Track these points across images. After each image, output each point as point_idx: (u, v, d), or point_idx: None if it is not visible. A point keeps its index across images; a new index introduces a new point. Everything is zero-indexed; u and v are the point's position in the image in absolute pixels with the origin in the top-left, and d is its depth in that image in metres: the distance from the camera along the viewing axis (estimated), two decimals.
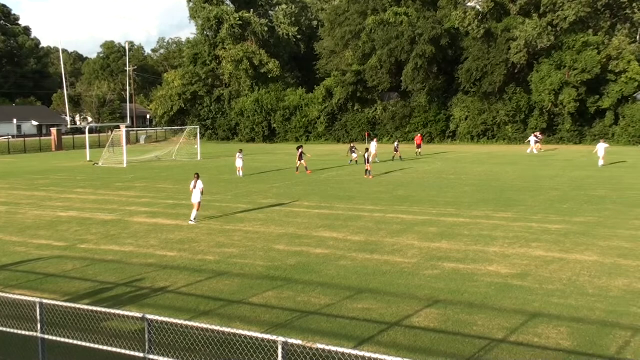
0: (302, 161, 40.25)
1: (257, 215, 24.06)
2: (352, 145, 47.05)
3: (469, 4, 70.73)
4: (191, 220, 22.44)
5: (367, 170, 36.49)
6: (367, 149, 38.59)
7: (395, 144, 50.00)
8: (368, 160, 36.91)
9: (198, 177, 22.63)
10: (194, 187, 22.33)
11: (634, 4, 70.37)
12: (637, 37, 74.85)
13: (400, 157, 47.66)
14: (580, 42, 62.13)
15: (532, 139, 55.79)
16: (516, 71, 67.77)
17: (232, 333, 7.64)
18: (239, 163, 38.60)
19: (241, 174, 38.25)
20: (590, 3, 63.36)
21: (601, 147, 40.49)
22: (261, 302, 13.20)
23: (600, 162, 39.79)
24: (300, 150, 40.86)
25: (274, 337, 7.13)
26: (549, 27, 63.53)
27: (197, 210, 22.59)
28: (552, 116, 66.02)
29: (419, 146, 53.67)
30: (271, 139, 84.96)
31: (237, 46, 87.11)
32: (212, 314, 12.51)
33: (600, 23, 68.53)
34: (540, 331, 11.20)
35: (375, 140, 49.97)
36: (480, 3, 68.51)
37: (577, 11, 62.35)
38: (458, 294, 13.45)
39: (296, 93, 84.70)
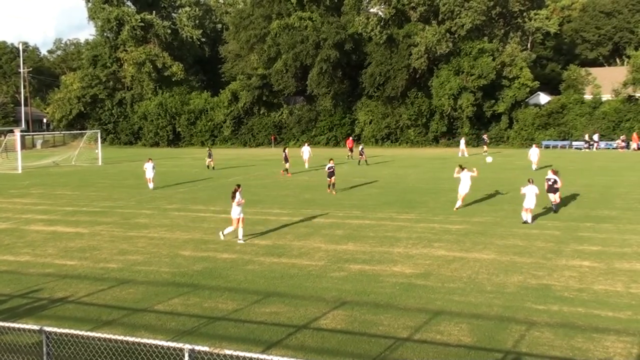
0: (289, 163, 40.58)
1: (162, 221, 23.51)
2: (361, 146, 49.13)
3: (371, 10, 72.20)
4: (240, 240, 19.26)
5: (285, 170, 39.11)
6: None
7: (360, 147, 49.55)
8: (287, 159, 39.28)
9: (238, 189, 19.34)
10: (236, 201, 18.99)
11: (525, 14, 74.41)
12: (528, 45, 79.16)
13: (366, 161, 47.47)
14: (476, 48, 64.90)
15: (462, 141, 56.39)
16: (417, 76, 69.83)
17: (136, 342, 7.41)
18: (149, 174, 33.66)
19: (151, 186, 33.41)
20: (485, 11, 66.29)
21: (534, 152, 40.77)
22: (167, 310, 12.90)
23: (534, 167, 39.64)
24: (286, 152, 41.16)
25: (180, 345, 6.99)
26: (448, 34, 65.95)
27: (241, 226, 19.30)
28: (452, 120, 68.51)
29: (350, 149, 54.31)
30: (176, 143, 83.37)
31: (139, 48, 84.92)
32: (115, 324, 12.09)
33: (494, 31, 71.90)
34: (443, 328, 11.57)
35: (307, 144, 49.47)
36: (382, 9, 70.11)
37: (473, 19, 65.10)
38: (364, 295, 13.68)
39: (201, 96, 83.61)
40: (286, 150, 41.53)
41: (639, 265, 15.54)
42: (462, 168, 25.04)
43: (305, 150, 45.93)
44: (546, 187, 23.79)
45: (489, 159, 37.54)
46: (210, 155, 46.45)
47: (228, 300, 13.52)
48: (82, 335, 7.77)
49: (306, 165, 44.63)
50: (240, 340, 11.12)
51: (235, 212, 19.15)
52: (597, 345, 10.60)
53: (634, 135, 58.70)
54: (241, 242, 19.19)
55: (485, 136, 60.33)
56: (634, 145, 57.99)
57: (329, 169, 30.49)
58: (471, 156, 52.58)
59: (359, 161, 47.61)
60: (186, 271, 16.02)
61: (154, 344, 7.27)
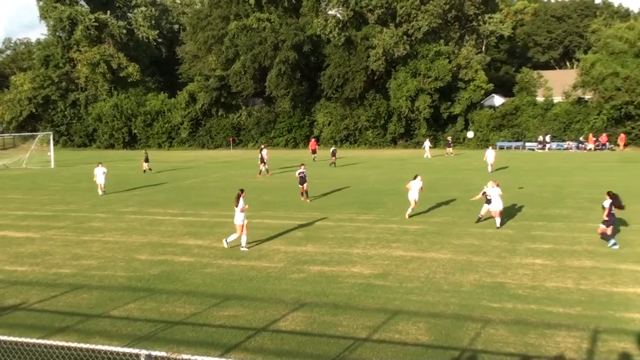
0: (265, 163, 40.60)
1: (118, 225, 23.13)
2: (333, 149, 48.17)
3: (329, 12, 72.45)
4: (243, 247, 18.42)
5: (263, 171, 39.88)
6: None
7: (332, 149, 48.91)
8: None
9: (242, 194, 18.56)
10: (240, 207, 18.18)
11: (479, 17, 75.77)
12: (483, 48, 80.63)
13: (334, 163, 46.67)
14: (433, 51, 65.76)
15: (426, 143, 55.86)
16: (375, 78, 70.35)
17: (90, 349, 7.29)
18: (99, 179, 31.91)
19: (101, 193, 31.73)
20: (440, 15, 67.22)
21: (490, 154, 39.78)
22: (122, 315, 12.70)
23: (489, 169, 39.03)
24: (263, 153, 41.25)
25: (136, 351, 6.88)
26: (405, 37, 66.62)
27: (244, 234, 18.40)
28: (410, 121, 69.20)
29: (314, 151, 53.67)
30: (132, 145, 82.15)
31: (93, 49, 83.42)
32: (69, 330, 11.85)
33: (450, 34, 73.04)
34: (401, 328, 11.69)
35: (264, 146, 48.28)
36: (340, 11, 70.43)
37: (429, 22, 65.92)
38: (323, 296, 13.72)
39: (158, 98, 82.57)
40: (263, 151, 41.46)
41: (588, 262, 15.98)
42: (415, 177, 23.74)
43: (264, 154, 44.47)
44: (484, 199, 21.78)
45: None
46: (147, 159, 45.19)
47: (186, 304, 13.39)
48: (34, 344, 7.59)
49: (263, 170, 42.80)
50: (199, 344, 11.03)
51: (239, 218, 18.25)
52: (549, 341, 10.86)
53: (590, 136, 60.16)
54: (244, 249, 18.28)
55: (449, 138, 60.64)
56: (590, 145, 59.42)
57: (299, 174, 28.28)
58: (434, 157, 53.18)
59: (331, 163, 46.93)
60: (142, 275, 15.80)
61: (109, 350, 7.15)
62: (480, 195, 22.27)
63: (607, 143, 59.67)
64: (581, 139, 61.34)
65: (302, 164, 28.72)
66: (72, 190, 34.33)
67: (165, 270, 16.28)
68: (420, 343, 10.95)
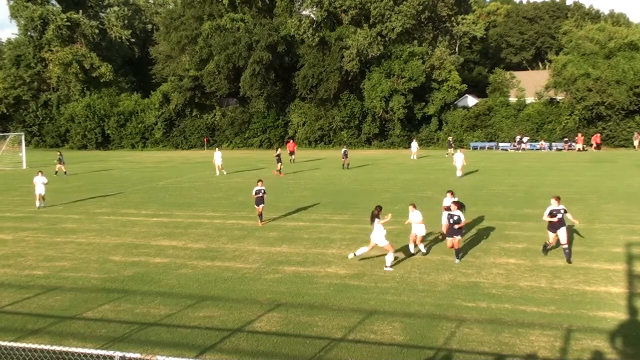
0: (281, 163, 40.53)
1: (91, 226, 22.87)
2: (344, 149, 45.58)
3: (303, 13, 72.50)
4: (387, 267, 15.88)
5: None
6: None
7: (344, 150, 45.61)
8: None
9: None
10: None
11: (452, 18, 76.45)
12: (456, 49, 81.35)
13: (348, 165, 44.45)
14: (406, 52, 66.16)
15: (414, 144, 54.54)
16: (350, 78, 70.56)
17: (64, 351, 7.20)
18: (39, 189, 27.68)
19: (39, 205, 27.69)
20: (414, 16, 67.69)
21: (458, 158, 37.11)
22: (96, 317, 12.56)
23: (458, 173, 36.87)
24: (279, 152, 41.35)
25: (110, 353, 6.82)
26: (379, 37, 66.96)
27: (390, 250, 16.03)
28: (384, 122, 69.55)
29: (291, 153, 52.05)
30: (105, 145, 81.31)
31: (65, 48, 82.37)
32: (41, 333, 11.68)
33: (424, 35, 73.58)
34: (376, 328, 11.73)
35: (218, 149, 46.88)
36: (314, 12, 70.51)
37: (403, 23, 66.34)
38: (299, 297, 13.71)
39: (131, 98, 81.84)
40: (279, 150, 41.59)
41: (561, 262, 16.18)
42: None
43: (217, 156, 41.63)
44: (445, 224, 17.29)
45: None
46: (60, 161, 44.26)
47: (160, 305, 13.28)
48: (6, 346, 7.46)
49: (217, 172, 41.29)
50: (173, 345, 10.95)
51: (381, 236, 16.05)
52: (523, 340, 10.98)
53: (579, 136, 60.91)
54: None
55: (450, 138, 60.02)
56: (578, 146, 60.16)
57: (257, 193, 22.47)
58: (420, 159, 53.35)
59: (343, 165, 44.48)
60: (117, 277, 15.64)
61: (82, 353, 7.07)
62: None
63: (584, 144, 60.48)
64: (566, 139, 61.96)
65: (260, 180, 23.09)
66: (46, 191, 33.78)
67: (140, 271, 16.13)
68: (395, 343, 11.00)
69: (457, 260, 16.37)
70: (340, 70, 68.20)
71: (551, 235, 16.49)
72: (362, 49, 66.09)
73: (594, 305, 12.76)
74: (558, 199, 16.40)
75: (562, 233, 16.13)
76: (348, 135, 71.24)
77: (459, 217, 16.34)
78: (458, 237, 16.42)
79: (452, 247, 16.57)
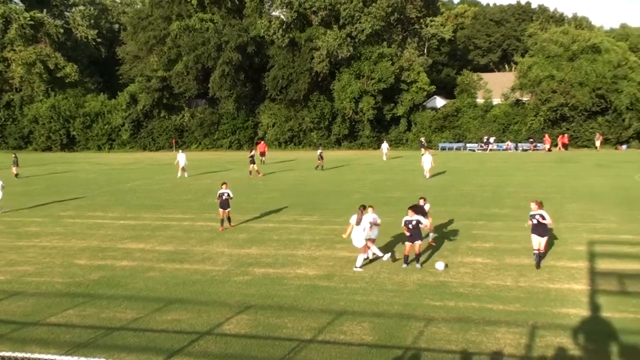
0: (255, 164, 40.20)
1: (55, 229, 22.48)
2: (320, 151, 45.18)
3: (273, 13, 72.34)
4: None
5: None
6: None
7: (319, 151, 45.47)
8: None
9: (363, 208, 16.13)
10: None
11: (421, 20, 77.08)
12: (425, 50, 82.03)
13: (322, 167, 43.78)
14: (376, 53, 66.50)
15: (384, 145, 54.28)
16: (320, 79, 70.60)
17: (26, 358, 7.05)
18: None
19: None
20: (383, 17, 68.08)
21: (426, 159, 36.91)
22: (60, 322, 12.35)
23: (427, 175, 36.60)
24: (252, 153, 41.27)
25: (74, 358, 6.72)
26: (348, 39, 67.17)
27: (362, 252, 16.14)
28: (354, 123, 69.77)
29: (262, 154, 51.22)
30: (70, 147, 79.97)
31: (28, 48, 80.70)
32: (2, 339, 11.46)
33: (393, 36, 74.04)
34: (346, 328, 11.76)
35: (181, 151, 45.98)
36: (284, 13, 70.42)
37: (372, 24, 66.66)
38: (268, 298, 13.67)
39: (97, 99, 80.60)
40: (253, 151, 41.50)
41: (526, 260, 16.42)
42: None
43: (181, 158, 40.76)
44: (406, 231, 16.05)
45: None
46: (15, 163, 43.68)
47: (127, 309, 13.12)
48: None
49: (179, 174, 40.48)
50: (140, 349, 10.83)
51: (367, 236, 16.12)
52: (489, 338, 11.12)
53: (546, 137, 61.80)
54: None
55: (422, 139, 60.29)
56: (546, 146, 61.02)
57: (220, 196, 21.70)
58: (391, 160, 53.39)
59: (317, 166, 43.94)
60: (82, 281, 15.40)
61: (46, 359, 6.94)
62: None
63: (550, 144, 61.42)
64: (531, 140, 62.78)
65: (224, 183, 22.28)
66: (6, 194, 33.09)
67: (106, 275, 15.92)
68: (364, 343, 11.05)
69: (418, 265, 16.02)
70: (310, 71, 68.21)
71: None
72: (332, 50, 66.23)
73: (557, 303, 12.98)
74: (538, 203, 15.97)
75: (534, 238, 15.86)
76: (318, 136, 71.30)
77: (417, 221, 15.97)
78: (419, 242, 16.10)
79: (408, 252, 16.08)
